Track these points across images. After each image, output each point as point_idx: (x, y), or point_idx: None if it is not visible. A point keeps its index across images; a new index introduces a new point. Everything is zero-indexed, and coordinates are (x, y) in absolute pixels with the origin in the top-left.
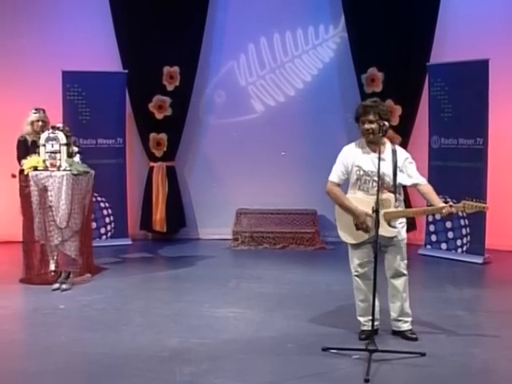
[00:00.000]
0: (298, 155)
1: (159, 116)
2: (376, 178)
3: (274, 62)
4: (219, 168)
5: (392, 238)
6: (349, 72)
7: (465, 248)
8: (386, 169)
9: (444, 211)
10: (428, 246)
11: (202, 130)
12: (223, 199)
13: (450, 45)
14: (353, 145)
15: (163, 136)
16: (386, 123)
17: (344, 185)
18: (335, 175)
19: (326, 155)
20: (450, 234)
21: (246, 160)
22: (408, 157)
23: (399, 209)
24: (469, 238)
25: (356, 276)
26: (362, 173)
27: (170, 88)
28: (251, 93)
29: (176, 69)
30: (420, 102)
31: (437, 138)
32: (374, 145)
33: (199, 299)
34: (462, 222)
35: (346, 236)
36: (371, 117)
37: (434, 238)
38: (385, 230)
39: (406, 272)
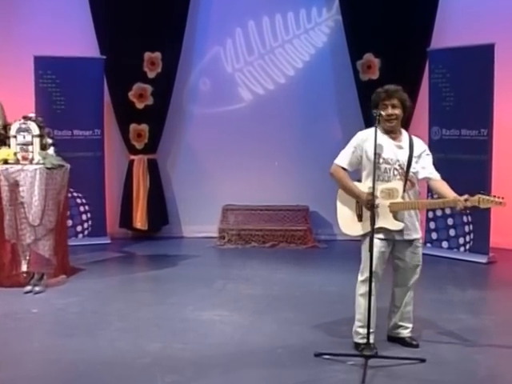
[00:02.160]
0: (289, 147)
1: (140, 105)
2: (397, 167)
3: (263, 48)
4: (204, 161)
5: (400, 232)
6: (343, 58)
7: (468, 246)
8: (403, 156)
9: (459, 204)
10: (428, 245)
11: (186, 121)
12: (208, 195)
13: (452, 29)
14: (369, 131)
15: (144, 127)
16: (383, 112)
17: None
18: (344, 159)
19: (318, 147)
20: (452, 232)
21: (232, 152)
22: (426, 149)
23: (408, 200)
24: (472, 235)
25: (365, 281)
26: (381, 161)
27: (151, 75)
28: (238, 80)
29: (158, 54)
30: (419, 90)
31: (437, 128)
32: (392, 133)
33: (183, 301)
34: (465, 218)
35: (348, 228)
36: (396, 101)
37: (434, 235)
38: (390, 223)
39: (417, 274)
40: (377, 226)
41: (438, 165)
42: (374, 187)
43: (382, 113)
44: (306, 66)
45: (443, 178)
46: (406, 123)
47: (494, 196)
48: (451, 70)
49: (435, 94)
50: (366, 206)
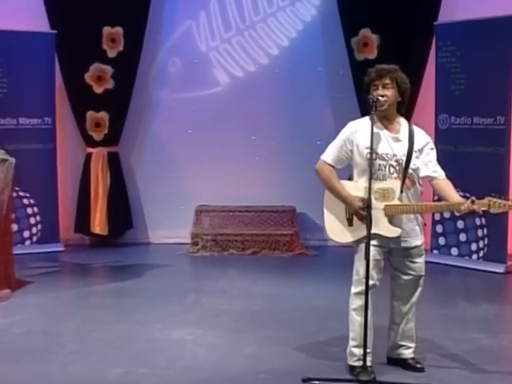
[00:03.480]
0: (273, 139)
1: (98, 89)
2: (393, 163)
3: (242, 22)
4: (174, 155)
5: (397, 239)
6: (336, 34)
7: (481, 254)
8: (401, 150)
9: (463, 208)
10: (435, 252)
11: (153, 108)
12: (179, 194)
13: None
14: (361, 121)
15: (103, 115)
16: (381, 98)
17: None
18: (331, 155)
19: (307, 139)
20: (463, 237)
21: (207, 145)
22: (429, 142)
23: (405, 202)
24: (486, 241)
25: (359, 293)
26: (374, 156)
27: (111, 54)
28: (214, 60)
29: (119, 30)
30: (425, 71)
31: (446, 116)
32: (388, 121)
33: (149, 319)
34: (478, 221)
35: (337, 234)
36: (388, 81)
37: (442, 241)
38: (384, 229)
39: (419, 287)
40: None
41: (446, 159)
42: (370, 187)
43: (380, 98)
44: (293, 44)
45: (449, 176)
46: (407, 111)
47: (506, 199)
48: (462, 48)
49: (443, 75)
50: (356, 214)
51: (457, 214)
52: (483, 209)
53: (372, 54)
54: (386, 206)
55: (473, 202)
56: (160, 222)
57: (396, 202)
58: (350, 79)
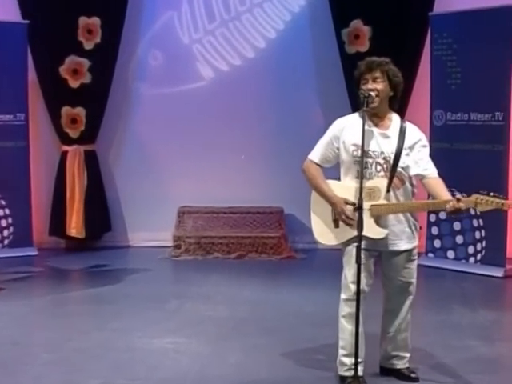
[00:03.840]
0: (259, 136)
1: (74, 84)
2: (380, 160)
3: (227, 13)
4: (155, 153)
5: (384, 242)
6: (326, 26)
7: (479, 257)
8: (389, 148)
9: (448, 207)
10: (430, 255)
11: (132, 103)
12: (161, 194)
13: None
14: (350, 117)
15: (80, 110)
16: (372, 94)
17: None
18: (317, 153)
19: (295, 137)
20: (459, 239)
21: (190, 143)
22: (421, 138)
23: (394, 202)
24: (484, 243)
25: (347, 300)
26: (360, 153)
27: (88, 46)
28: (197, 54)
29: (96, 20)
30: (419, 65)
31: (441, 112)
32: (379, 118)
33: (128, 326)
34: (475, 222)
35: (323, 237)
36: (378, 74)
37: (437, 243)
38: (370, 230)
39: (411, 294)
40: (354, 234)
41: (442, 157)
42: (361, 187)
43: (372, 94)
44: (280, 36)
45: (445, 175)
46: (401, 107)
47: (496, 196)
48: (458, 40)
49: (439, 69)
50: (340, 216)
51: (448, 215)
52: (471, 206)
53: (364, 47)
54: (371, 205)
55: (458, 200)
56: (140, 224)
57: (382, 201)
58: (341, 73)
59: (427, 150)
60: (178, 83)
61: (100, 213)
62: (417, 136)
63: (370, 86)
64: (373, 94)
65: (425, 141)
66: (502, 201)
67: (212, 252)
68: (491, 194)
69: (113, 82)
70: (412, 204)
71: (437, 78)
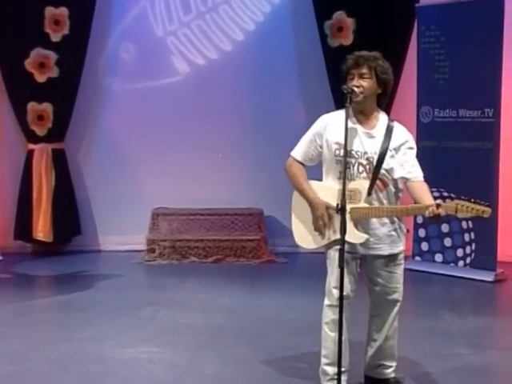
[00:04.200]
0: (238, 134)
1: (41, 78)
2: (363, 161)
3: (203, 4)
4: (128, 152)
5: (366, 246)
6: (307, 18)
7: (468, 260)
8: (372, 148)
9: (427, 212)
10: (417, 258)
11: (103, 99)
12: (134, 195)
13: None
14: (335, 114)
15: (47, 106)
16: (356, 89)
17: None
18: (300, 151)
19: (276, 134)
20: (448, 242)
21: (164, 141)
22: (408, 140)
23: (376, 205)
24: (474, 246)
25: (331, 306)
26: (343, 153)
27: (55, 38)
28: (171, 47)
29: (63, 10)
30: (405, 59)
31: (428, 108)
32: (364, 116)
33: (99, 335)
34: (465, 224)
35: (303, 240)
36: (365, 70)
37: (425, 246)
38: (349, 234)
39: (397, 301)
40: (334, 238)
41: (429, 156)
42: (344, 188)
43: (355, 89)
44: (260, 29)
45: (432, 175)
46: (387, 102)
47: (477, 202)
48: (447, 32)
49: (425, 63)
50: (317, 222)
51: (429, 220)
52: (451, 213)
53: (347, 40)
54: (352, 208)
55: (438, 206)
56: (112, 227)
57: (363, 204)
58: (323, 67)
59: (413, 153)
60: (152, 78)
61: (69, 215)
62: (403, 137)
63: (356, 82)
64: (357, 90)
65: (412, 143)
66: (483, 208)
67: (188, 256)
68: (473, 200)
69: (82, 77)
70: (392, 208)
71: (424, 72)
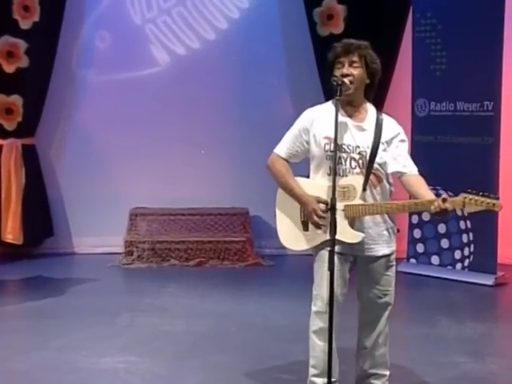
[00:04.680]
0: (221, 129)
1: (9, 68)
2: (356, 156)
3: None
4: (104, 148)
5: (360, 246)
6: (296, 4)
7: (467, 263)
8: (364, 142)
9: (433, 207)
10: (412, 260)
11: (77, 91)
12: (110, 194)
13: None
14: (321, 107)
15: (16, 99)
16: (346, 80)
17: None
18: (284, 147)
19: (261, 129)
20: (445, 243)
21: (143, 136)
22: (400, 132)
23: (370, 202)
24: (473, 247)
25: (319, 312)
26: (333, 148)
27: (24, 25)
28: (150, 35)
29: None
30: (400, 49)
31: (424, 101)
32: (353, 108)
33: (73, 344)
34: (463, 224)
35: (290, 240)
36: (355, 58)
37: (420, 248)
38: (345, 233)
39: (389, 305)
40: (326, 238)
41: (425, 152)
42: (334, 185)
43: (345, 80)
44: (244, 16)
45: (428, 172)
46: (378, 96)
47: (486, 195)
48: (444, 20)
49: (421, 53)
50: (310, 218)
51: (433, 216)
52: (459, 207)
53: (338, 28)
54: (346, 206)
55: (444, 201)
56: (87, 228)
57: (358, 201)
58: (312, 58)
59: (406, 146)
60: (130, 69)
61: (40, 215)
62: (395, 130)
63: (346, 70)
64: (347, 80)
65: (403, 135)
66: (494, 201)
67: (168, 259)
68: (481, 193)
69: (54, 67)
70: (391, 204)
71: (419, 63)
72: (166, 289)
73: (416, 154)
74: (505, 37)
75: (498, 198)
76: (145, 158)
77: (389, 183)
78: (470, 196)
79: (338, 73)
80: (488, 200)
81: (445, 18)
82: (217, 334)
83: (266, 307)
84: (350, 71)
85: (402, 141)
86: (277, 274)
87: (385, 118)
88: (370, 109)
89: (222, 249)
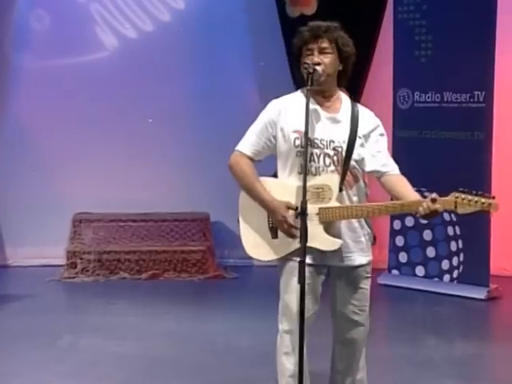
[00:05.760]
0: (179, 125)
1: None
2: (330, 151)
3: None
4: (42, 144)
5: (337, 254)
6: None
7: (456, 274)
8: (340, 135)
9: (422, 209)
10: (394, 271)
11: (11, 79)
12: (51, 198)
13: None
14: (289, 97)
15: None
16: (318, 68)
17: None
18: (248, 143)
19: (224, 123)
20: (431, 252)
21: (88, 131)
22: (379, 125)
23: (347, 204)
24: (462, 257)
25: (288, 332)
26: (304, 143)
27: None
28: (96, 16)
29: None
30: (379, 32)
31: (407, 92)
32: (325, 98)
33: (5, 371)
34: (451, 230)
35: (257, 249)
36: (326, 44)
37: (403, 257)
38: (319, 240)
39: (366, 322)
40: (298, 246)
41: (408, 148)
42: (304, 187)
43: (317, 68)
44: None
45: (415, 168)
46: (356, 86)
47: (480, 194)
48: (429, 2)
49: (404, 37)
50: (280, 226)
51: (421, 219)
52: (450, 208)
53: (310, 9)
54: (320, 209)
55: (434, 201)
56: (22, 238)
57: (334, 203)
58: (281, 41)
59: (385, 141)
60: (72, 53)
61: None
62: (373, 122)
63: (316, 58)
64: (319, 68)
65: (382, 129)
66: (489, 201)
67: (117, 271)
68: (474, 192)
69: None
70: (373, 206)
71: (401, 48)
72: (114, 306)
73: (397, 151)
74: (498, 19)
75: (493, 198)
76: (91, 156)
77: (364, 183)
78: (463, 195)
79: (307, 60)
80: (483, 200)
81: None
82: (172, 357)
83: (228, 325)
84: (321, 59)
85: (382, 135)
86: (241, 288)
87: (360, 108)
88: (344, 98)
89: (179, 259)
